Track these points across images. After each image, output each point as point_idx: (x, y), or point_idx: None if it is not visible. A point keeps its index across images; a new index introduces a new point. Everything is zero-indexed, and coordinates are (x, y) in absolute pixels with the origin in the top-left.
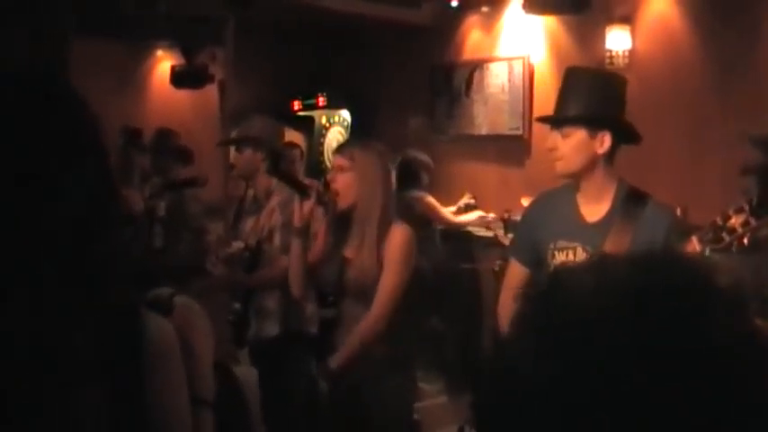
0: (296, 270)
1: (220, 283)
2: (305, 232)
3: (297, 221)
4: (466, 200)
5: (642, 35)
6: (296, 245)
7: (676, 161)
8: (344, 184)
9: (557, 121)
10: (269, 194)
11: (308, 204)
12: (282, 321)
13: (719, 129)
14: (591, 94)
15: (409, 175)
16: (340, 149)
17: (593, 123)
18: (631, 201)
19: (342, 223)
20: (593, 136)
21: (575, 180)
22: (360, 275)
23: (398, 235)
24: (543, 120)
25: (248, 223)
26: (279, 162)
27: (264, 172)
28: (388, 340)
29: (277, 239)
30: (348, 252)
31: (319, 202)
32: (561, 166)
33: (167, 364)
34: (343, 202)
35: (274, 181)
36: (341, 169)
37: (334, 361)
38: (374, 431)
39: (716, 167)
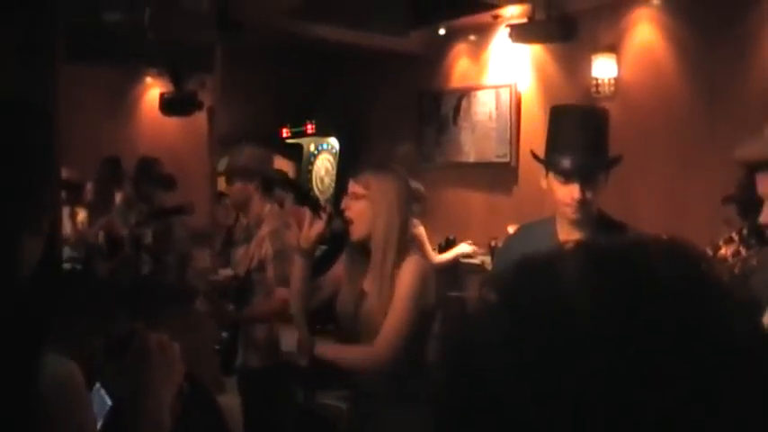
0: (297, 290)
1: (213, 316)
2: (310, 253)
3: (303, 241)
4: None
5: (628, 63)
6: (299, 264)
7: (662, 188)
8: (358, 212)
9: (588, 170)
10: (259, 223)
11: (319, 225)
12: (271, 353)
13: (706, 155)
14: (604, 136)
15: None
16: (356, 176)
17: (610, 166)
18: (609, 230)
19: (359, 254)
20: (605, 177)
21: (565, 215)
22: (375, 309)
23: (411, 267)
24: (575, 171)
25: (238, 252)
26: (272, 187)
27: (258, 200)
28: (392, 377)
29: (270, 270)
30: (366, 285)
31: (328, 225)
32: (582, 213)
33: (64, 409)
34: (357, 233)
35: (266, 209)
36: (355, 196)
37: (322, 351)
38: None
39: (702, 194)
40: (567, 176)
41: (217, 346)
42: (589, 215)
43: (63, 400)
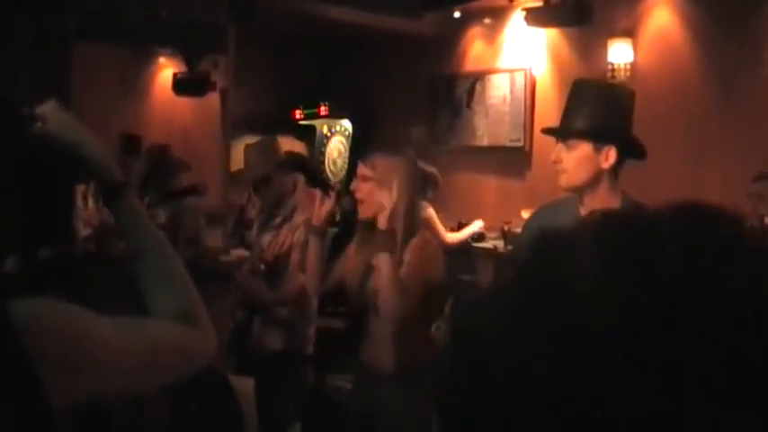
0: (312, 269)
1: (241, 290)
2: (323, 232)
3: (315, 220)
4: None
5: (644, 48)
6: (313, 244)
7: (677, 174)
8: (366, 193)
9: (561, 133)
10: (293, 210)
11: (328, 204)
12: (286, 338)
13: (720, 141)
14: (597, 108)
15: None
16: (364, 158)
17: (598, 137)
18: None
19: (369, 232)
20: (598, 150)
21: (578, 194)
22: (382, 284)
23: (416, 243)
24: (547, 131)
25: (266, 238)
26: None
27: (293, 192)
28: (399, 355)
29: (296, 255)
30: (374, 261)
31: (338, 204)
32: (565, 180)
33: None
34: (364, 212)
35: (299, 197)
36: (363, 178)
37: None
38: None
39: (716, 180)
40: (555, 138)
41: (231, 325)
42: (588, 188)
43: (42, 339)
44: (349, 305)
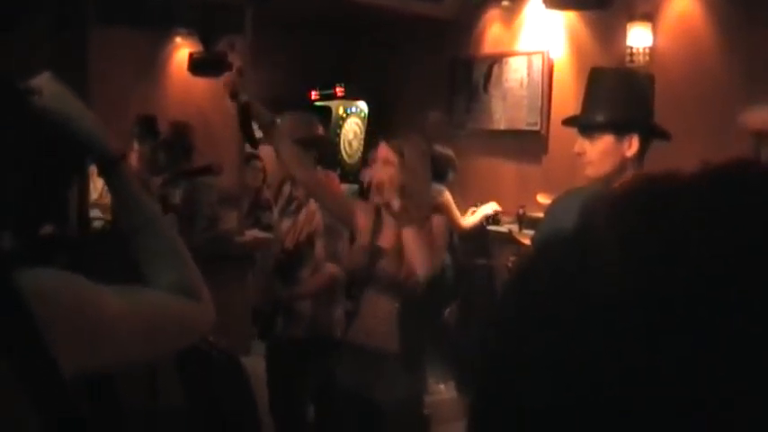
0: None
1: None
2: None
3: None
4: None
5: (664, 32)
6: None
7: (696, 161)
8: (390, 178)
9: (583, 126)
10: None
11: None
12: (312, 326)
13: (741, 129)
14: (617, 98)
15: (436, 170)
16: (388, 141)
17: (620, 128)
18: None
19: (376, 213)
20: (620, 140)
21: (605, 182)
22: (392, 267)
23: (439, 224)
24: (569, 123)
25: (285, 224)
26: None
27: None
28: (400, 337)
29: (319, 245)
30: (382, 242)
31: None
32: (591, 171)
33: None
34: (386, 196)
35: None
36: (388, 162)
37: None
38: (384, 427)
39: None
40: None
41: (257, 311)
42: (615, 177)
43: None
44: (351, 281)
